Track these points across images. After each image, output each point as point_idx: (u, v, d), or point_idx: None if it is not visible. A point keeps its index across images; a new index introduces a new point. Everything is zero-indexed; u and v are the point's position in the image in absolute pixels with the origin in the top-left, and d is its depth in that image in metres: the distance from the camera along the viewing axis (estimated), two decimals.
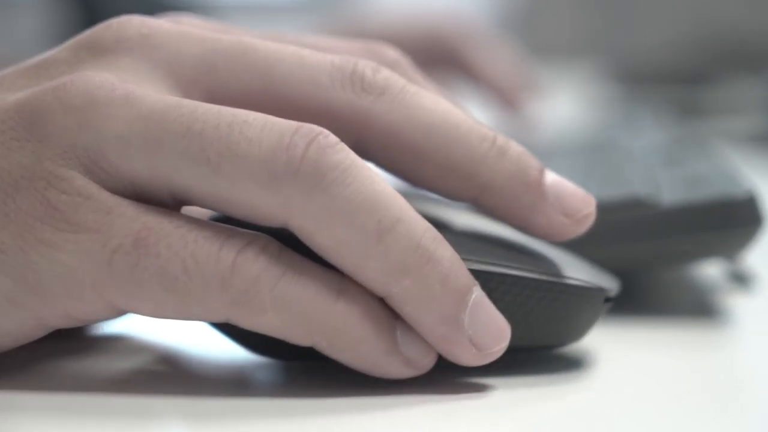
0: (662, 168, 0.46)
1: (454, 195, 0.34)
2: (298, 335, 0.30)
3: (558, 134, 0.71)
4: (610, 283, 0.34)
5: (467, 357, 0.31)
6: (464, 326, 0.31)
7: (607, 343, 0.36)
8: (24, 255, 0.30)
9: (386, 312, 0.31)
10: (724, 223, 0.39)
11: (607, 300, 0.34)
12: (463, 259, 0.32)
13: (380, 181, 0.30)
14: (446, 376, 0.33)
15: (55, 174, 0.30)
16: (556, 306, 0.33)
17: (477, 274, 0.32)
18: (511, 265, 0.33)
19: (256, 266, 0.30)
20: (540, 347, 0.33)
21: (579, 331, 0.34)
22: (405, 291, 0.30)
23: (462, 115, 0.34)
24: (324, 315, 0.30)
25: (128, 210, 0.30)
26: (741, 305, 0.41)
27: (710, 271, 0.47)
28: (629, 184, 0.42)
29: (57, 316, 0.31)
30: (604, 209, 0.40)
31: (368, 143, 0.33)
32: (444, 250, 0.31)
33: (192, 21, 0.35)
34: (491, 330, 0.31)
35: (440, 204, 0.36)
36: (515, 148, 0.34)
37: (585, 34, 1.88)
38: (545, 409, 0.30)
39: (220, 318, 0.30)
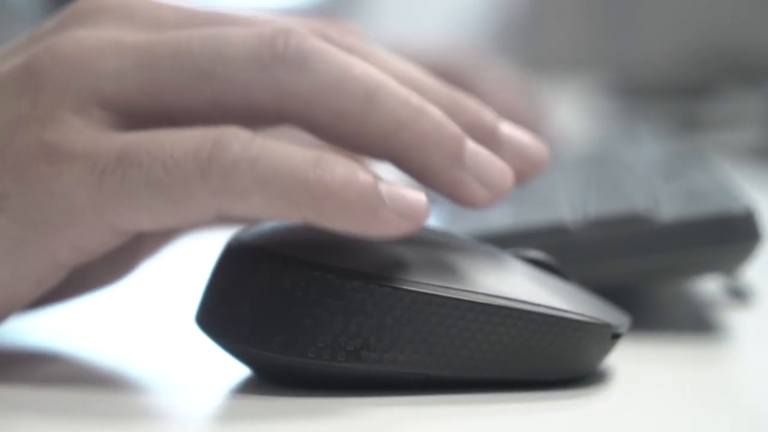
0: (661, 182, 0.46)
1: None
2: (285, 211, 0.31)
3: (558, 147, 0.70)
4: (619, 320, 0.34)
5: (480, 196, 0.34)
6: (469, 167, 0.33)
7: (606, 358, 0.36)
8: (27, 196, 0.32)
9: (367, 174, 0.31)
10: (723, 238, 0.39)
11: (615, 336, 0.34)
12: (469, 292, 0.32)
13: (357, 58, 0.33)
14: (454, 390, 0.33)
15: (49, 117, 0.33)
16: (562, 341, 0.33)
17: (483, 308, 0.32)
18: (517, 299, 0.33)
19: (231, 152, 0.31)
20: (546, 381, 0.33)
21: (586, 366, 0.34)
22: (406, 143, 0.33)
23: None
24: (304, 186, 0.31)
25: (112, 134, 0.32)
26: (739, 320, 0.41)
27: (709, 286, 0.47)
28: (628, 198, 0.42)
29: (66, 249, 0.33)
30: (603, 224, 0.40)
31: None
32: (432, 106, 0.33)
33: None
34: (494, 168, 0.34)
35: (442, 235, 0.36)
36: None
37: (585, 46, 1.88)
38: (543, 423, 0.30)
39: (211, 210, 0.31)
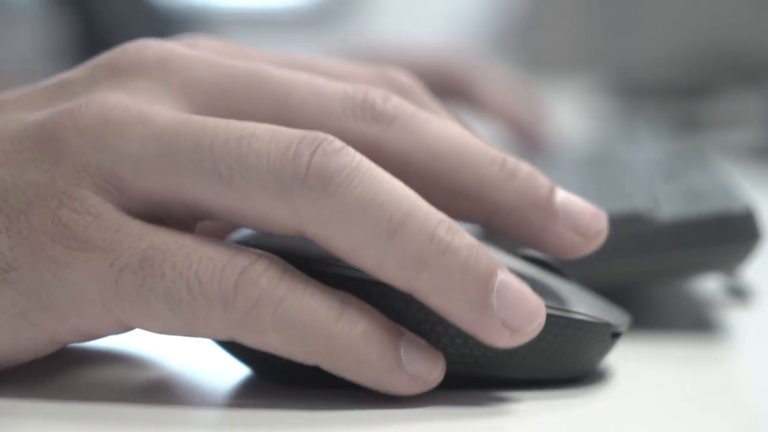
0: (661, 182, 0.46)
1: (465, 217, 0.34)
2: (300, 355, 0.31)
3: (558, 148, 0.71)
4: (619, 319, 0.34)
5: (503, 340, 0.31)
6: (494, 309, 0.31)
7: (606, 357, 0.36)
8: (36, 273, 0.31)
9: (390, 330, 0.31)
10: (723, 238, 0.39)
11: (615, 335, 0.34)
12: None
13: (389, 178, 0.31)
14: (454, 388, 0.33)
15: (67, 193, 0.31)
16: (562, 340, 0.33)
17: None
18: None
19: (258, 288, 0.30)
20: (547, 380, 0.33)
21: (586, 365, 0.34)
22: (426, 283, 0.30)
23: (471, 139, 0.34)
24: (325, 336, 0.30)
25: (136, 229, 0.31)
26: (739, 319, 0.41)
27: (708, 285, 0.47)
28: (628, 198, 0.42)
29: (68, 333, 0.31)
30: None
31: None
32: (461, 239, 0.31)
33: (209, 44, 0.36)
34: (522, 310, 0.31)
35: None
36: (525, 168, 0.34)
37: (584, 46, 1.88)
38: (543, 423, 0.30)
39: (225, 337, 0.31)
